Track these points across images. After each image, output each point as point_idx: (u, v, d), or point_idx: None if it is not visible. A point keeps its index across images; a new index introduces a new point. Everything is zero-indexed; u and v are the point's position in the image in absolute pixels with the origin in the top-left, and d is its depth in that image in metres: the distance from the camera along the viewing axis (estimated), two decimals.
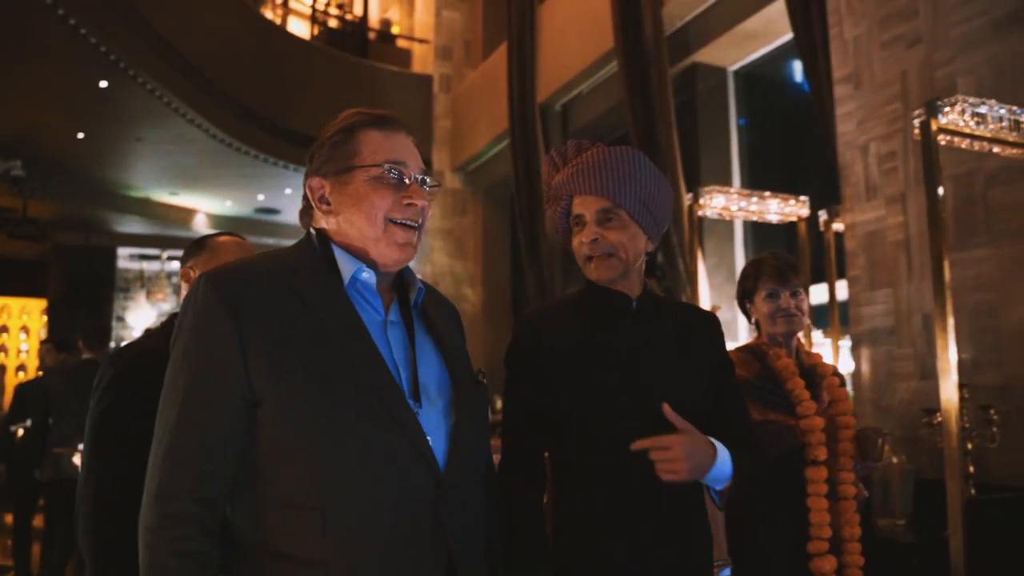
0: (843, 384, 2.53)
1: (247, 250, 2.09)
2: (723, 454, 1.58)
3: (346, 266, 1.38)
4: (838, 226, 4.46)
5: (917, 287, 3.90)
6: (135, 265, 14.98)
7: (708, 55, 6.66)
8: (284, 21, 12.53)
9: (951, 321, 2.75)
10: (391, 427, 1.29)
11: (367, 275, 1.39)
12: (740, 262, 6.58)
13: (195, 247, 2.13)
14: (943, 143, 3.00)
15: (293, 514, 1.25)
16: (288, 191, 11.86)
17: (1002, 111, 2.98)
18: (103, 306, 13.91)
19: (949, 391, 2.73)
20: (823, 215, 4.54)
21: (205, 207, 13.24)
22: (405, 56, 12.29)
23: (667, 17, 6.51)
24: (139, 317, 14.25)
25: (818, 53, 4.72)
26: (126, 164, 10.93)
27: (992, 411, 3.25)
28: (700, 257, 5.13)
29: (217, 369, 1.26)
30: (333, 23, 13.16)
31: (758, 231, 6.42)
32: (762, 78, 6.82)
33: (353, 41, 12.58)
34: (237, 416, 1.26)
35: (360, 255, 1.40)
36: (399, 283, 1.48)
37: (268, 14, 11.97)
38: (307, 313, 1.31)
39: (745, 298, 2.49)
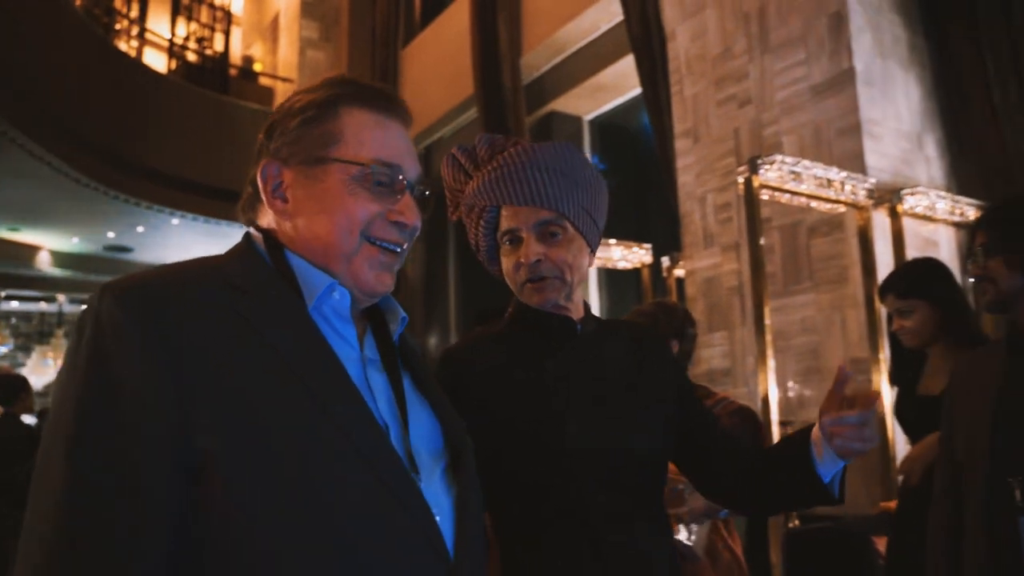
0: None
1: None
2: None
3: (311, 282, 1.01)
4: (680, 272, 4.70)
5: (750, 330, 4.15)
6: None
7: (564, 104, 6.94)
8: (139, 53, 12.12)
9: (772, 363, 2.95)
10: (393, 508, 0.93)
11: (338, 295, 1.03)
12: (595, 305, 6.79)
13: None
14: (765, 197, 3.24)
15: None
16: (140, 229, 11.37)
17: (815, 170, 3.25)
18: None
19: (772, 428, 2.92)
20: (666, 261, 4.78)
21: (50, 244, 12.52)
22: (267, 94, 12.11)
23: (525, 67, 6.76)
24: None
25: (662, 107, 5.00)
26: None
27: None
28: None
29: (139, 429, 0.84)
30: (192, 57, 12.83)
31: (611, 276, 6.66)
32: (616, 128, 7.13)
33: (213, 77, 12.31)
34: (169, 503, 0.84)
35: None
36: (371, 309, 1.13)
37: (122, 45, 11.56)
38: (264, 349, 0.92)
39: None
